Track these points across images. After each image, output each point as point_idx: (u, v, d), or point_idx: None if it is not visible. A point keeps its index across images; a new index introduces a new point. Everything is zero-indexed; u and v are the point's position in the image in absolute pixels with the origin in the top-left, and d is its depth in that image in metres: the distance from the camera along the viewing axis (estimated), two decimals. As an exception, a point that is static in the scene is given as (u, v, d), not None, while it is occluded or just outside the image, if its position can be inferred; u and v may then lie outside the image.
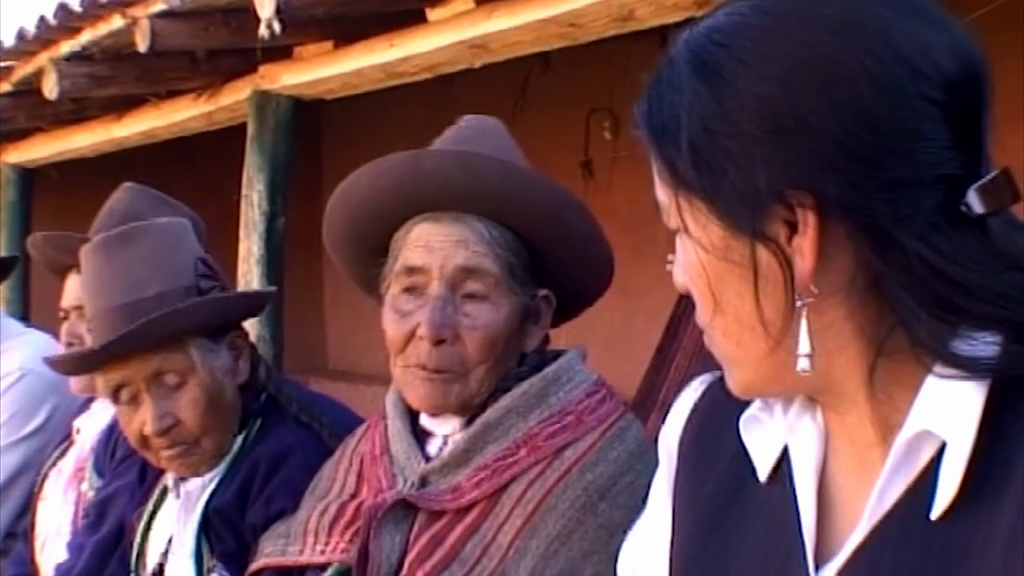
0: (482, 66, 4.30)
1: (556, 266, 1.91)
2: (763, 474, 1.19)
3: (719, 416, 1.26)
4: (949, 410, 1.02)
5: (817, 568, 1.10)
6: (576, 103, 6.75)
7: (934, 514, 1.01)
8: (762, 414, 1.19)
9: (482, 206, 1.84)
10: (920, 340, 1.03)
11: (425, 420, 1.95)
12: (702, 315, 1.14)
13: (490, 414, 1.86)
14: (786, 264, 1.05)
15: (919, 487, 1.04)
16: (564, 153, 6.57)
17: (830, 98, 1.02)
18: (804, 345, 1.07)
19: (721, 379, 1.20)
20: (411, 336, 1.85)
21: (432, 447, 1.93)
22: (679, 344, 4.03)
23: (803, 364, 1.07)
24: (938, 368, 1.03)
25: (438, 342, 1.83)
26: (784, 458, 1.18)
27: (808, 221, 1.04)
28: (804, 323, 1.06)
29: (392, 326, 1.88)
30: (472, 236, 1.84)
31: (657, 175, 1.12)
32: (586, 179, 6.79)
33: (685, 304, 3.77)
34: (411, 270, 1.87)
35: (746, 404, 1.20)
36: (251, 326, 3.34)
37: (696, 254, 1.10)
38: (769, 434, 1.19)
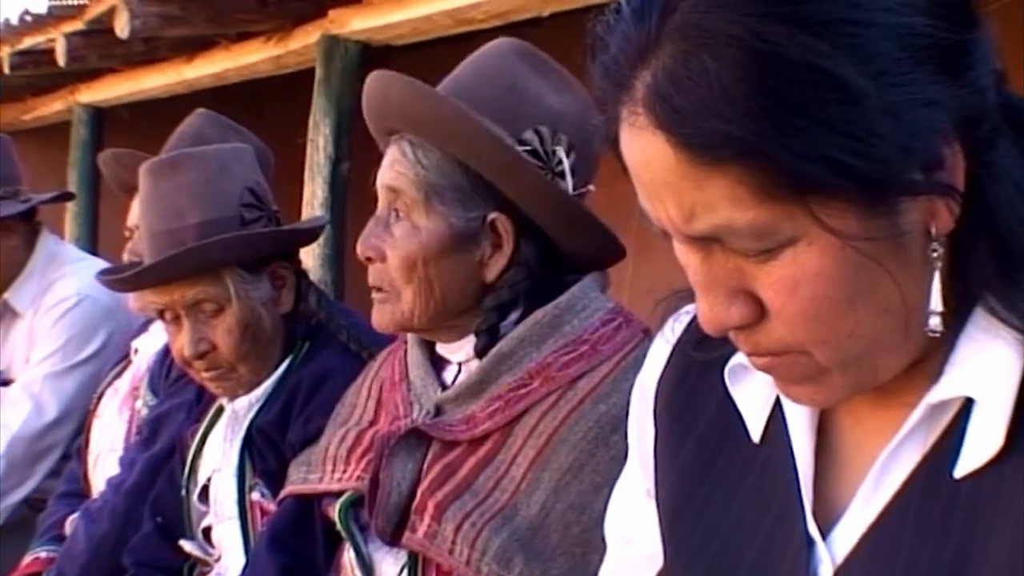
0: (554, 19, 4.26)
1: (500, 189, 1.83)
2: (756, 432, 1.11)
3: (706, 357, 1.16)
4: (983, 371, 0.96)
5: (821, 529, 1.04)
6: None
7: (958, 472, 0.96)
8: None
9: (404, 126, 1.85)
10: (987, 289, 0.97)
11: (440, 347, 1.95)
12: (821, 331, 0.96)
13: (504, 344, 1.83)
14: (926, 210, 0.94)
15: (940, 445, 0.98)
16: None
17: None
18: (936, 301, 0.96)
19: None
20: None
21: (448, 374, 1.93)
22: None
23: (934, 323, 0.96)
24: (974, 324, 0.98)
25: (368, 260, 1.87)
26: (777, 408, 1.10)
27: (955, 148, 0.93)
28: (937, 275, 0.96)
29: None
30: (399, 157, 1.84)
31: (754, 194, 0.91)
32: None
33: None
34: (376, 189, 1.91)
35: (733, 346, 1.06)
36: (312, 271, 3.36)
37: (825, 256, 0.93)
38: (760, 382, 1.10)
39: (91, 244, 6.57)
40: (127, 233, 3.18)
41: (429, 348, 1.97)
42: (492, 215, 1.83)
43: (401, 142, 1.85)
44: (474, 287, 1.86)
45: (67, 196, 4.31)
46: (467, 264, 1.85)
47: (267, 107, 6.23)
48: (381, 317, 1.88)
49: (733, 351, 1.10)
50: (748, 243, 0.93)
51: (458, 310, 1.86)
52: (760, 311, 0.97)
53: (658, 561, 1.22)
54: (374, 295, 1.88)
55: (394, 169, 1.84)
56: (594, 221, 1.87)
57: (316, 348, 2.40)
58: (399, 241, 1.83)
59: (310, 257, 4.42)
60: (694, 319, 1.12)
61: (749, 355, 1.03)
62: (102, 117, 7.11)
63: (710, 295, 0.98)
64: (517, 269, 1.85)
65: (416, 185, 1.82)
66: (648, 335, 1.86)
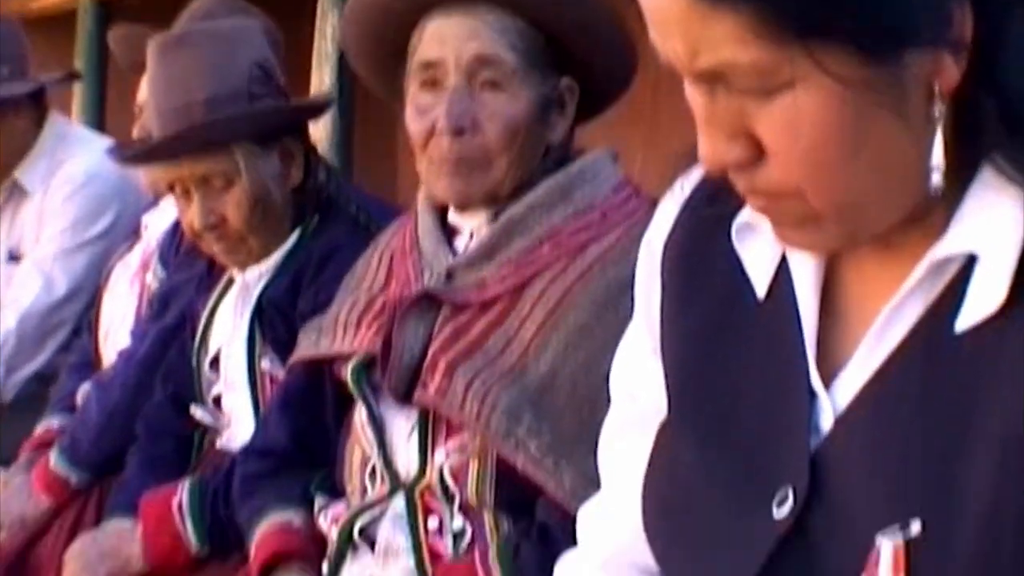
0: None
1: (575, 52, 1.89)
2: (761, 289, 1.12)
3: (714, 215, 1.16)
4: (987, 227, 0.97)
5: (825, 381, 1.05)
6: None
7: (960, 326, 0.97)
8: (758, 220, 1.08)
9: None
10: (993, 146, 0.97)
11: (453, 216, 1.97)
12: (816, 177, 0.97)
13: (515, 209, 1.86)
14: (931, 67, 0.94)
15: (943, 301, 0.99)
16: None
17: None
18: (937, 156, 0.96)
19: None
20: (432, 131, 1.86)
21: (460, 242, 1.95)
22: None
23: (935, 179, 0.97)
24: (981, 183, 0.98)
25: (458, 132, 1.83)
26: (783, 266, 1.11)
27: (964, 7, 0.93)
28: (939, 130, 0.96)
29: (413, 123, 1.89)
30: (483, 27, 1.83)
31: (757, 34, 0.92)
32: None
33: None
34: (427, 65, 1.87)
35: (740, 205, 1.08)
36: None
37: (825, 103, 0.94)
38: (767, 241, 1.10)
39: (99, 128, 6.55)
40: (136, 111, 3.18)
41: (441, 217, 1.98)
42: (565, 81, 1.89)
43: (476, 10, 1.84)
44: (542, 151, 1.90)
45: (74, 75, 4.28)
46: (544, 129, 1.89)
47: (275, -5, 6.20)
48: (469, 189, 1.86)
49: (742, 207, 1.10)
50: (749, 82, 0.94)
51: (529, 174, 1.89)
52: (758, 152, 0.98)
53: (663, 417, 1.23)
54: (453, 168, 1.85)
55: (480, 39, 1.83)
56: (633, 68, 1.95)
57: (326, 222, 2.43)
58: (501, 110, 1.84)
59: (318, 143, 4.40)
60: (705, 178, 1.14)
61: (746, 194, 1.04)
62: (108, 8, 7.05)
63: (712, 133, 0.99)
64: (569, 131, 1.92)
65: (513, 53, 1.84)
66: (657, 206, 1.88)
